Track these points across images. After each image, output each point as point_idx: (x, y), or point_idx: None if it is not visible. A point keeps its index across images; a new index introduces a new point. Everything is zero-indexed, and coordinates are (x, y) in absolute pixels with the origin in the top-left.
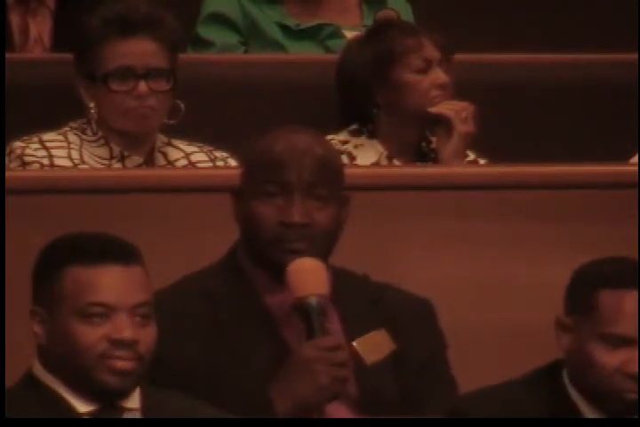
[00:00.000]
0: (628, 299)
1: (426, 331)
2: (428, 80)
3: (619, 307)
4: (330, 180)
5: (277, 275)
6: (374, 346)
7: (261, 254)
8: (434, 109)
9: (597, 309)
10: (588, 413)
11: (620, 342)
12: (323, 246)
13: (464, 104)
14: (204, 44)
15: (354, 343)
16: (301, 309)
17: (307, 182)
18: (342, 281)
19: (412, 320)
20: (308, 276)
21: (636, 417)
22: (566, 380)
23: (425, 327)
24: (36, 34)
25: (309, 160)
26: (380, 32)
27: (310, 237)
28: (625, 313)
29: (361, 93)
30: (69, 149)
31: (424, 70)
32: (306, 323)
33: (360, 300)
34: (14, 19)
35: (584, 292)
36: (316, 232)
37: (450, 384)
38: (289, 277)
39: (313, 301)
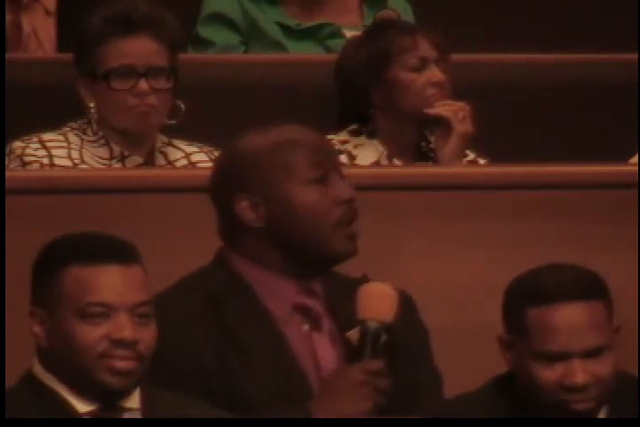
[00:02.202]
0: (556, 313)
1: (412, 323)
2: (424, 78)
3: (546, 324)
4: None
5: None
6: None
7: (321, 243)
8: (431, 110)
9: (527, 328)
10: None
11: (554, 357)
12: None
13: (461, 104)
14: (205, 44)
15: (348, 333)
16: (360, 329)
17: (336, 162)
18: (336, 286)
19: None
20: (381, 301)
21: (636, 417)
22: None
23: (410, 319)
24: (29, 30)
25: (330, 144)
26: (375, 32)
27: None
28: (555, 328)
29: (358, 93)
30: (69, 148)
31: (419, 69)
32: (359, 344)
33: (352, 303)
34: (7, 15)
35: (513, 311)
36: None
37: (434, 368)
38: (362, 296)
39: (372, 325)
